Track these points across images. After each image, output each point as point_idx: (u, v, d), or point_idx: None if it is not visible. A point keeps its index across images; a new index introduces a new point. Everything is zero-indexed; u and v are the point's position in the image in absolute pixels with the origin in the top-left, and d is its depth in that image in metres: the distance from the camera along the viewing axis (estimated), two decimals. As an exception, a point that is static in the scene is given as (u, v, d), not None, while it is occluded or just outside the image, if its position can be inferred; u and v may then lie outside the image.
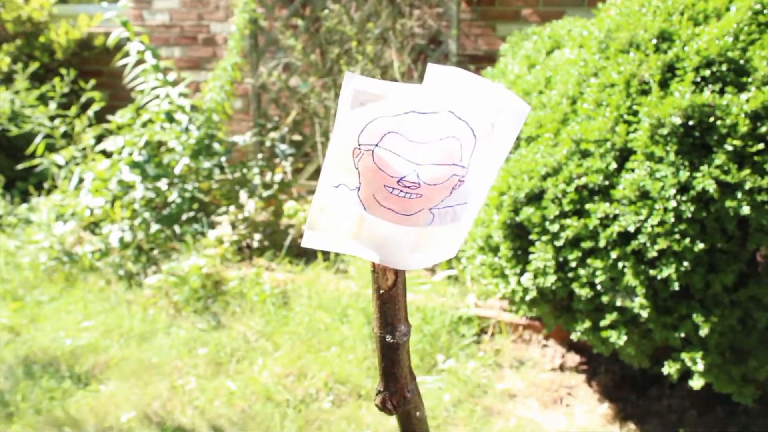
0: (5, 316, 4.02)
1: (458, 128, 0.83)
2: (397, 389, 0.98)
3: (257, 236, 4.65)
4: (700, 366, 2.43)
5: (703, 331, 2.35)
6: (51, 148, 5.46)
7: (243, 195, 4.82)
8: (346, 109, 0.83)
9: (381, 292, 0.92)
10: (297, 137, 5.53)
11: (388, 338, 0.94)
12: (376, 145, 0.83)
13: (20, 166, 5.47)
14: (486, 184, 0.89)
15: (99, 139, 5.45)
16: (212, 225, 4.66)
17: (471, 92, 0.83)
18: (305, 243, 0.90)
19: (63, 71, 5.91)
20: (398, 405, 0.98)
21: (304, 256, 4.60)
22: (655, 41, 2.54)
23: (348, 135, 0.84)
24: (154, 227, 4.52)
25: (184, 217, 4.65)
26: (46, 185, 5.43)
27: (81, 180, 4.89)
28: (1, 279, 4.47)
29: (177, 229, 4.59)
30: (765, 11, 2.44)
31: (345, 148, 0.85)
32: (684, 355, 2.48)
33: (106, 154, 5.33)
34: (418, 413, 1.01)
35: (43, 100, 5.92)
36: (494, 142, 0.86)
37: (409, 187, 0.85)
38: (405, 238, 0.88)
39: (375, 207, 0.87)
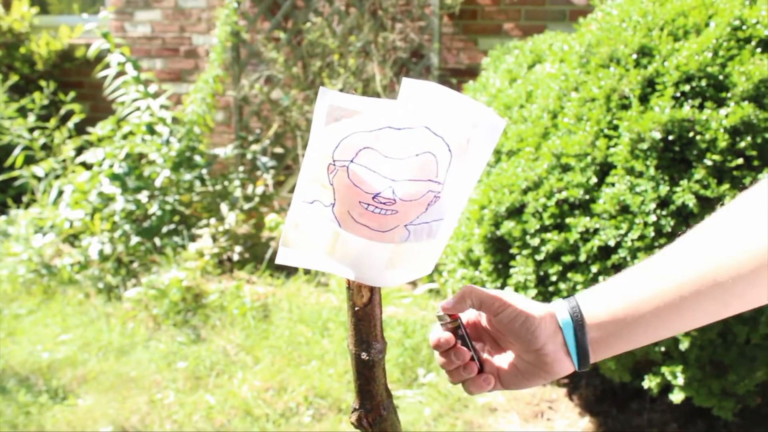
0: (-18, 329, 3.98)
1: (434, 144, 0.82)
2: (372, 407, 0.97)
3: (238, 249, 4.63)
4: (680, 380, 2.44)
5: (683, 345, 2.35)
6: (30, 161, 5.42)
7: (224, 207, 4.80)
8: (321, 124, 0.82)
9: (356, 309, 0.92)
10: (279, 150, 5.52)
11: (364, 356, 0.93)
12: (351, 161, 0.83)
13: (-1, 178, 5.43)
14: (462, 200, 0.88)
15: (79, 151, 5.41)
16: (193, 238, 4.64)
17: (446, 107, 0.83)
18: (279, 260, 0.90)
19: (43, 83, 5.88)
20: (374, 423, 0.97)
21: (285, 269, 4.58)
22: (635, 56, 2.55)
23: (322, 151, 0.83)
24: (134, 240, 4.49)
25: (164, 229, 4.62)
26: (25, 198, 5.39)
27: (60, 192, 4.85)
28: (-22, 292, 4.43)
29: (157, 241, 4.57)
30: (744, 27, 2.45)
31: (319, 164, 0.84)
32: (664, 369, 2.48)
33: (86, 166, 5.30)
34: (394, 431, 1.00)
35: (22, 112, 5.87)
36: (470, 158, 0.85)
37: (384, 203, 0.84)
38: (380, 254, 0.87)
39: (350, 223, 0.86)
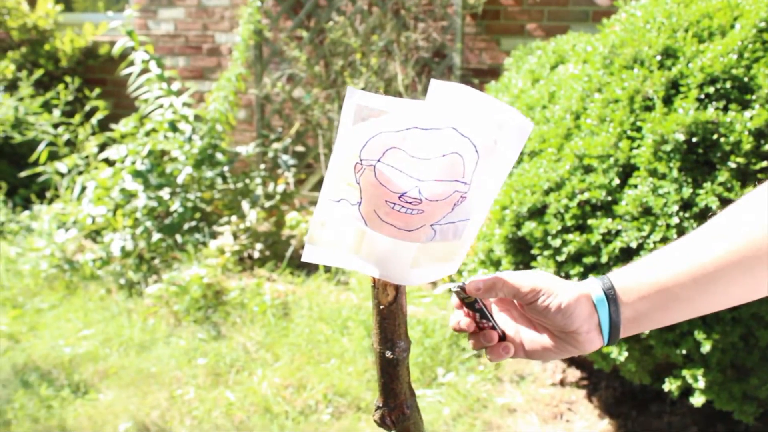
0: (5, 323, 4.02)
1: (461, 144, 0.83)
2: (396, 405, 0.97)
3: (259, 246, 4.64)
4: (701, 383, 2.42)
5: (705, 348, 2.34)
6: (54, 156, 5.47)
7: (245, 205, 4.82)
8: (348, 124, 0.83)
9: (381, 307, 0.92)
10: (300, 148, 5.54)
11: (388, 354, 0.94)
12: (378, 161, 0.83)
13: (23, 174, 5.48)
14: (488, 201, 0.89)
15: (102, 147, 5.45)
16: (214, 235, 4.66)
17: (474, 109, 0.83)
18: (305, 257, 0.90)
19: (68, 79, 5.92)
20: (397, 421, 0.97)
21: (306, 267, 4.59)
22: (659, 58, 2.54)
23: (349, 150, 0.84)
24: (156, 236, 4.51)
25: (185, 226, 4.64)
26: (48, 193, 5.43)
27: (83, 188, 4.89)
28: (1, 286, 4.46)
29: (179, 238, 4.59)
30: (769, 29, 2.44)
31: (346, 163, 0.84)
32: (685, 372, 2.46)
33: (109, 163, 5.33)
34: (417, 429, 1.00)
35: (47, 107, 5.92)
36: (497, 159, 0.85)
37: (410, 202, 0.84)
38: (406, 253, 0.87)
39: (376, 222, 0.86)
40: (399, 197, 0.84)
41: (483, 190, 0.87)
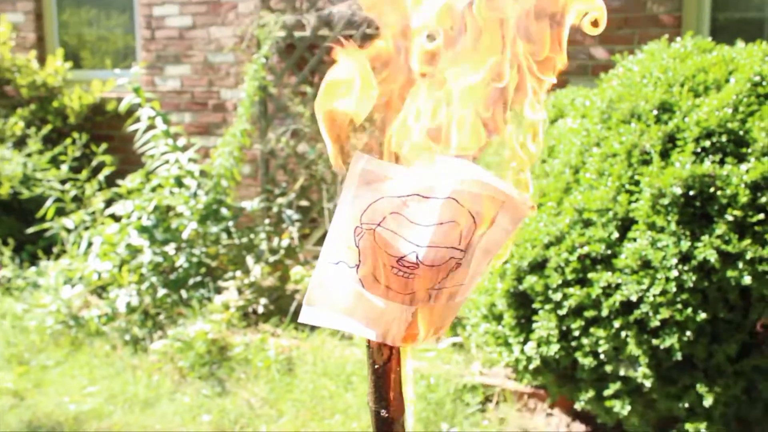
0: (10, 380, 4.02)
1: (459, 214, 0.85)
2: (393, 464, 0.98)
3: (263, 301, 4.65)
4: (705, 437, 2.42)
5: (708, 402, 2.34)
6: (61, 212, 5.50)
7: (250, 260, 4.84)
8: (352, 188, 0.86)
9: (376, 366, 0.94)
10: (304, 203, 5.57)
11: (383, 413, 0.95)
12: (378, 225, 0.86)
13: (30, 230, 5.51)
14: (483, 270, 0.91)
15: (109, 203, 5.48)
16: (219, 290, 4.67)
17: (476, 184, 0.86)
18: (303, 318, 0.92)
19: (75, 135, 5.98)
20: (395, 479, 0.98)
21: (310, 321, 4.59)
22: (656, 112, 2.58)
23: (351, 214, 0.86)
24: (161, 292, 4.53)
25: (191, 281, 4.66)
26: (55, 249, 5.46)
27: (90, 244, 4.91)
28: (7, 343, 4.47)
29: (184, 293, 4.60)
30: (764, 83, 2.48)
31: (347, 226, 0.87)
32: (688, 426, 2.46)
33: (116, 218, 5.36)
34: (415, 488, 1.01)
35: (54, 163, 5.96)
36: (494, 232, 0.88)
37: (408, 266, 0.86)
38: (401, 316, 0.89)
39: (373, 285, 0.88)
40: (397, 261, 0.86)
41: (478, 259, 0.89)
